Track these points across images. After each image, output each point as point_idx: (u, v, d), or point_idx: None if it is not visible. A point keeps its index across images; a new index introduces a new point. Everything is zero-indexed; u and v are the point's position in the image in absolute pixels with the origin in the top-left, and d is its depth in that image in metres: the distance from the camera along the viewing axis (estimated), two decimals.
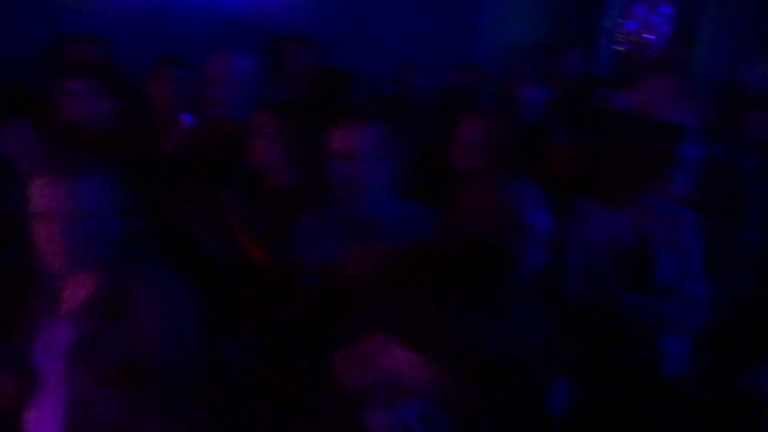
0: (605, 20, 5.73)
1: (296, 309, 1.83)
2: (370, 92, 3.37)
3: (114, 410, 1.47)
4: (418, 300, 1.12)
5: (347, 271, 1.76)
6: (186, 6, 4.33)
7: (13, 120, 2.34)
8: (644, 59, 5.76)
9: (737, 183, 2.37)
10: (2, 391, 1.56)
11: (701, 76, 5.53)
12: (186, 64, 3.01)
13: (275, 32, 3.73)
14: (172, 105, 2.93)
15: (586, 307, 1.96)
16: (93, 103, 2.60)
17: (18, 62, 3.38)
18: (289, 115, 2.20)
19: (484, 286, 1.22)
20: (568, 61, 4.17)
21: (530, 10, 5.54)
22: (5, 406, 1.56)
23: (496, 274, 1.30)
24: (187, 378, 1.51)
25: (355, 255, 1.77)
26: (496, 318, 1.16)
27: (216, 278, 2.11)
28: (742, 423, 1.54)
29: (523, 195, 2.03)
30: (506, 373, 1.15)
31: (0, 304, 1.81)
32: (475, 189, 2.12)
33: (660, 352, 2.05)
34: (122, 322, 1.48)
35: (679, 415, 1.95)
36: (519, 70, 3.45)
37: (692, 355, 2.10)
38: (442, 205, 2.25)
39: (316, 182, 1.97)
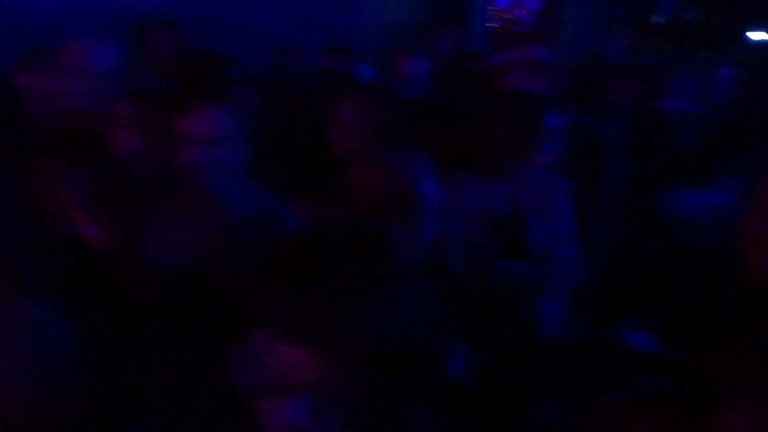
0: None
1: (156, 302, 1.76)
2: (245, 76, 3.27)
3: None
4: (294, 292, 1.08)
5: (216, 263, 1.71)
6: None
7: None
8: (515, 35, 5.97)
9: (599, 149, 2.51)
10: None
11: (567, 48, 5.82)
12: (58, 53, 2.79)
13: (140, 17, 3.54)
14: (48, 97, 2.71)
15: (466, 277, 2.02)
16: None
17: None
18: (152, 104, 2.10)
19: (365, 271, 1.19)
20: (442, 39, 4.23)
21: None
22: None
23: (377, 257, 1.28)
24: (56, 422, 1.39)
25: (221, 247, 1.72)
26: (379, 302, 1.14)
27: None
28: (610, 375, 1.64)
29: (412, 166, 2.05)
30: (395, 357, 1.12)
31: None
32: (363, 167, 2.12)
33: (538, 314, 2.16)
34: None
35: (557, 372, 2.06)
36: (400, 45, 3.43)
37: (567, 314, 2.21)
38: (322, 189, 2.24)
39: (178, 172, 1.89)
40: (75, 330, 1.48)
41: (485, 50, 5.26)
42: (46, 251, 1.85)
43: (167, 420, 1.70)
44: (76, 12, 4.03)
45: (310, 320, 1.03)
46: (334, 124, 2.32)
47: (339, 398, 1.08)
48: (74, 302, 1.51)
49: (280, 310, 1.06)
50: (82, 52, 2.46)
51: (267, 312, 1.08)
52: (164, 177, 1.97)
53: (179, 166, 1.84)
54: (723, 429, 0.64)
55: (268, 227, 1.82)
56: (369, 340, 1.06)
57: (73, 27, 3.11)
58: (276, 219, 1.87)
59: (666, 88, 3.28)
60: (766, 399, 0.65)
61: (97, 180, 1.90)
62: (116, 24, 3.12)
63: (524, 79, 2.47)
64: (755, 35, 5.88)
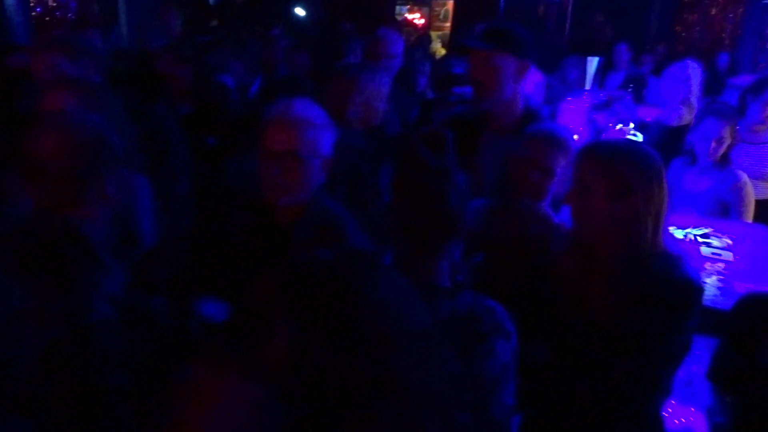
0: None
1: None
2: None
3: None
4: None
5: None
6: None
7: None
8: (61, 21, 5.45)
9: (161, 134, 2.40)
10: None
11: (125, 33, 5.60)
12: None
13: None
14: None
15: None
16: None
17: None
18: None
19: None
20: None
21: None
22: None
23: None
24: None
25: None
26: None
27: None
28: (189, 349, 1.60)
29: None
30: None
31: None
32: None
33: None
34: None
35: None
36: None
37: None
38: None
39: None
40: None
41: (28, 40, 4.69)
42: None
43: None
44: None
45: None
46: None
47: None
48: None
49: None
50: None
51: None
52: None
53: None
54: (270, 357, 0.67)
55: None
56: None
57: None
58: None
59: (222, 63, 3.35)
60: (296, 324, 0.69)
61: None
62: None
63: (61, 66, 2.20)
64: (300, 11, 6.48)
